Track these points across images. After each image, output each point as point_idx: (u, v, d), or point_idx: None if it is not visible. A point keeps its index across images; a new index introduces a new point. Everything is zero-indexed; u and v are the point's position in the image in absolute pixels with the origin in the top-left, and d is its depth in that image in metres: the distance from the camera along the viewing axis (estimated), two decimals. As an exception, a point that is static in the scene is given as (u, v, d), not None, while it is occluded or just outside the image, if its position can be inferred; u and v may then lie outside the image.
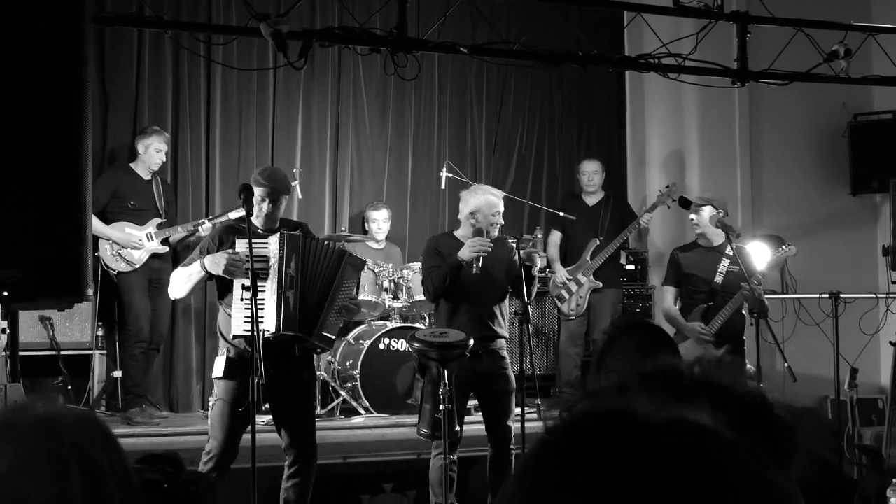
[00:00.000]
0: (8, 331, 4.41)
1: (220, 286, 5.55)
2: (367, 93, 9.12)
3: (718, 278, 6.97)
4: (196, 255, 5.54)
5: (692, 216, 7.16)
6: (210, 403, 5.54)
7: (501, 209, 6.33)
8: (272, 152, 8.81)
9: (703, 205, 7.10)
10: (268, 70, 8.44)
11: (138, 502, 1.41)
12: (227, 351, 5.47)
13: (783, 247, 7.27)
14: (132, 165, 7.86)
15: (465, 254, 6.04)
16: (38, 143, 3.68)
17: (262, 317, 5.27)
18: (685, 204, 7.28)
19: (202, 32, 7.02)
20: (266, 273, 5.41)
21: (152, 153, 7.75)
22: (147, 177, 7.81)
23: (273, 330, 5.43)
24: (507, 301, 6.49)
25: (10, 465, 1.34)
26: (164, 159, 7.88)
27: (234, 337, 5.37)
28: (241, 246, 5.32)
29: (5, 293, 3.64)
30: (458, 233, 6.45)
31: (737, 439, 0.83)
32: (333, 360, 7.80)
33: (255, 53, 8.52)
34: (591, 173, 8.77)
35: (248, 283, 5.22)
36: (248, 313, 5.21)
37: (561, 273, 8.47)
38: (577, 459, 0.79)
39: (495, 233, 6.27)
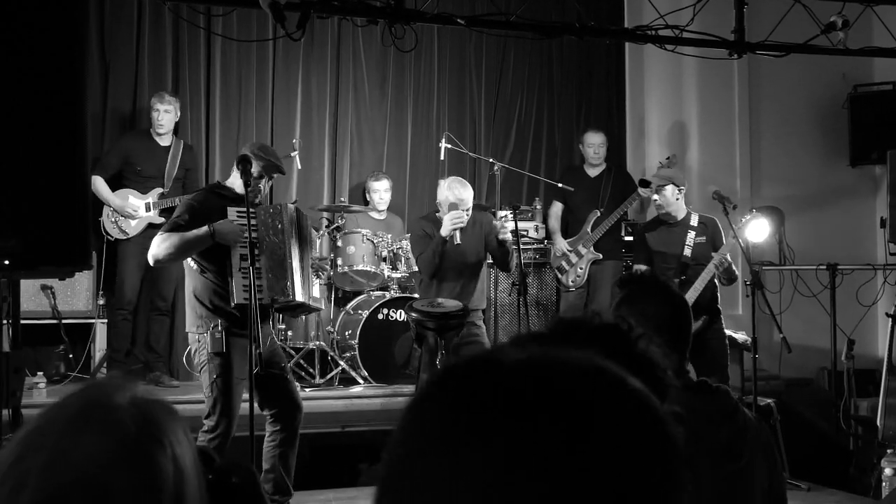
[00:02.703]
0: (9, 299, 4.45)
1: (209, 255, 5.42)
2: (367, 64, 9.12)
3: (688, 251, 7.02)
4: (181, 219, 5.37)
5: (655, 196, 7.18)
6: (210, 380, 5.36)
7: (459, 204, 6.52)
8: (272, 123, 8.83)
9: (665, 184, 7.13)
10: (267, 41, 8.45)
11: (204, 500, 1.38)
12: (221, 323, 5.37)
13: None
14: (150, 130, 7.87)
15: (444, 231, 6.43)
16: (38, 113, 3.70)
17: (259, 285, 5.33)
18: (645, 185, 7.35)
19: (201, 4, 7.00)
20: (256, 242, 5.42)
21: (153, 115, 7.78)
22: (164, 142, 7.82)
23: (300, 299, 5.53)
24: (483, 275, 6.80)
25: (104, 449, 1.28)
26: (165, 121, 7.79)
27: (236, 305, 5.34)
28: (233, 214, 5.37)
29: (6, 262, 3.67)
30: (440, 215, 6.71)
31: (595, 366, 0.90)
32: (332, 330, 7.86)
33: (255, 25, 8.53)
34: (597, 145, 8.70)
35: (245, 251, 5.28)
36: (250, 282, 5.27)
37: (561, 244, 8.49)
38: (446, 404, 0.88)
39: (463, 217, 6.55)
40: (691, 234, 7.03)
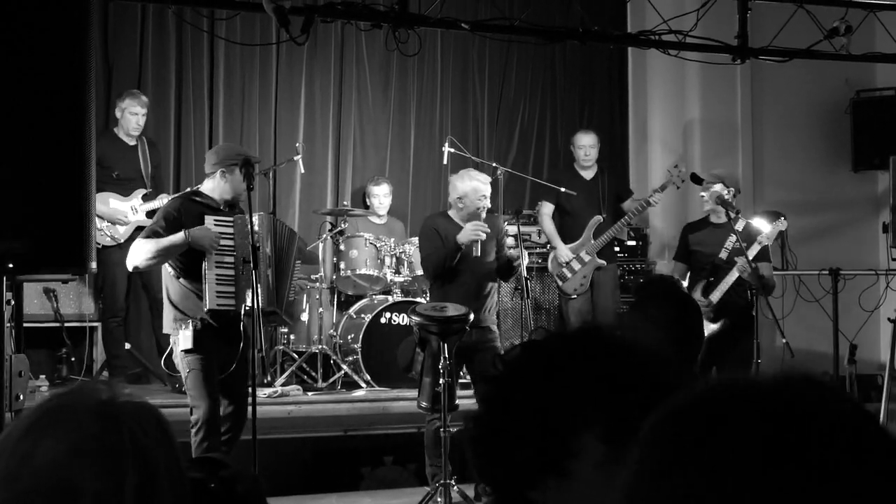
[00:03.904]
0: (13, 302, 4.45)
1: (183, 260, 5.58)
2: (370, 68, 9.14)
3: (723, 254, 7.00)
4: (158, 226, 5.54)
5: (702, 193, 7.18)
6: (183, 375, 5.56)
7: (487, 193, 6.46)
8: (275, 127, 8.84)
9: (714, 182, 7.12)
10: (270, 45, 8.46)
11: (188, 501, 1.38)
12: (192, 323, 5.52)
13: (776, 221, 7.27)
14: (115, 131, 7.82)
15: (463, 238, 6.24)
16: (42, 114, 3.69)
17: (232, 292, 5.55)
18: (697, 180, 7.31)
19: (205, 7, 7.01)
20: (232, 249, 5.61)
21: (128, 117, 7.71)
22: (131, 142, 7.78)
23: (261, 305, 5.60)
24: (496, 280, 6.65)
25: (64, 451, 1.29)
26: (141, 123, 7.80)
27: (210, 311, 5.50)
28: (210, 222, 5.54)
29: (10, 265, 3.67)
30: (452, 213, 6.58)
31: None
32: (335, 334, 7.86)
33: (258, 28, 8.53)
34: (587, 147, 8.41)
35: (220, 258, 5.52)
36: (224, 288, 5.50)
37: (564, 252, 8.19)
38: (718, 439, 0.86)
39: (482, 214, 6.45)
40: (731, 238, 7.00)
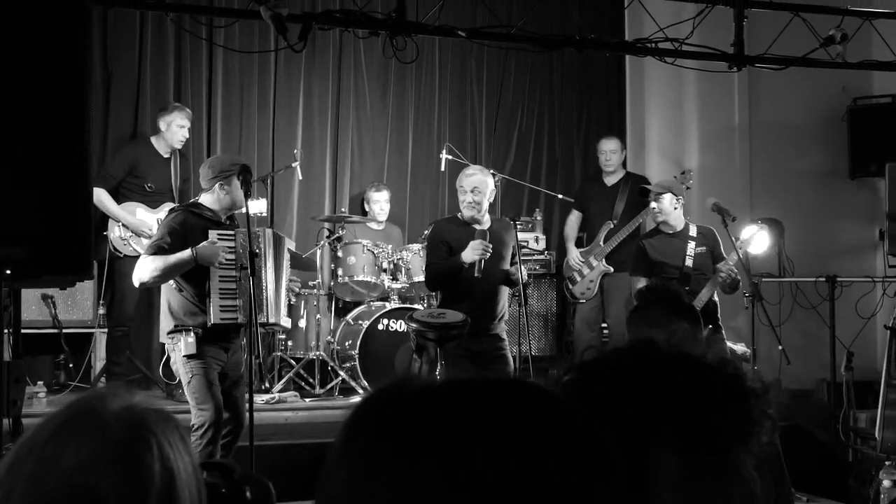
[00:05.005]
0: (11, 308, 4.44)
1: (187, 274, 5.59)
2: (368, 75, 9.16)
3: (689, 262, 7.02)
4: (164, 241, 5.54)
5: (653, 204, 7.17)
6: (185, 381, 5.59)
7: (474, 183, 6.39)
8: (273, 133, 8.86)
9: (663, 193, 7.12)
10: (269, 52, 8.48)
11: None
12: (194, 330, 5.56)
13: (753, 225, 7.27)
14: (153, 140, 7.84)
15: (467, 256, 6.21)
16: (41, 120, 3.68)
17: (235, 305, 5.59)
18: (644, 193, 7.32)
19: (203, 15, 7.04)
20: (234, 263, 5.63)
21: (175, 129, 7.73)
22: (166, 154, 7.81)
23: (265, 320, 5.70)
24: (506, 288, 6.59)
25: (90, 456, 1.30)
26: (187, 136, 7.86)
27: (214, 325, 5.53)
28: (214, 236, 5.58)
29: (8, 271, 3.65)
30: (461, 215, 6.52)
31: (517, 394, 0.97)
32: (332, 340, 7.87)
33: (257, 36, 8.56)
34: (608, 152, 8.55)
35: (223, 272, 5.57)
36: (227, 302, 5.56)
37: (574, 256, 8.32)
38: (361, 424, 0.97)
39: (469, 212, 6.40)
40: (691, 245, 7.04)
